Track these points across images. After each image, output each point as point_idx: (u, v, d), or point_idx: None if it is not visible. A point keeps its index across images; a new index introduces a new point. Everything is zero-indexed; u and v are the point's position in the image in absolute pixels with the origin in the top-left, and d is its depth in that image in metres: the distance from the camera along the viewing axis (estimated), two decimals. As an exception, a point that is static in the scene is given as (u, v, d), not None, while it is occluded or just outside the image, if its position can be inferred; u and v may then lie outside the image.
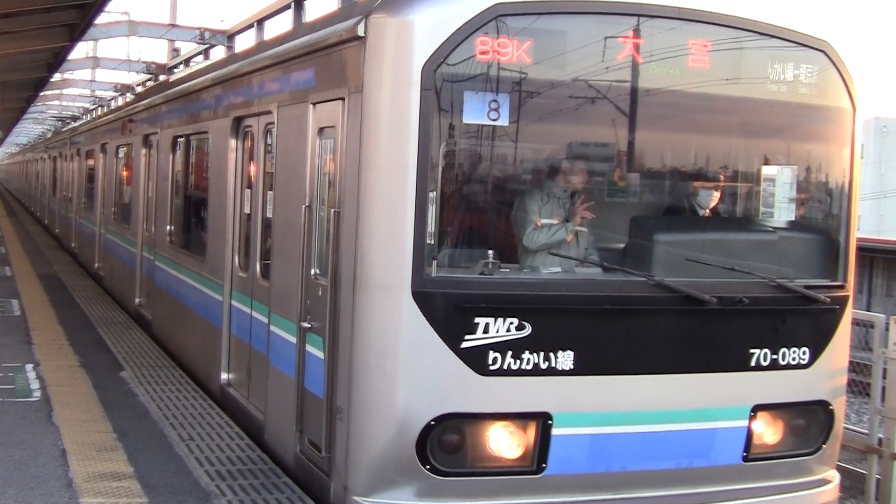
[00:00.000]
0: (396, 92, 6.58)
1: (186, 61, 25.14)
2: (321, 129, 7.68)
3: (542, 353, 6.68)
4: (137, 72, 29.17)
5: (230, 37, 23.36)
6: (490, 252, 6.83)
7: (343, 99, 7.12)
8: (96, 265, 21.33)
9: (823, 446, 7.67)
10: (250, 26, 21.92)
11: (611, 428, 6.94)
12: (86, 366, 12.15)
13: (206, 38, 23.37)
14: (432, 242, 6.60)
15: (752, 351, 7.23)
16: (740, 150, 8.09)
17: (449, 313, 6.57)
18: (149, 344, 13.85)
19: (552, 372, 6.72)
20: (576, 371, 6.77)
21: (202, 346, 11.34)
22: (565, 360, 6.74)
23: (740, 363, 7.22)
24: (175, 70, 24.85)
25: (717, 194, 7.90)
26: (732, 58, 7.32)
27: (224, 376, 10.36)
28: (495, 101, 6.68)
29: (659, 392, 7.03)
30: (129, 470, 8.14)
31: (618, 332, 6.92)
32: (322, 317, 7.40)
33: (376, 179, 6.66)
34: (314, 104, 7.77)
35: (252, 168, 9.85)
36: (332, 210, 7.20)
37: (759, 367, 7.25)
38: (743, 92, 7.42)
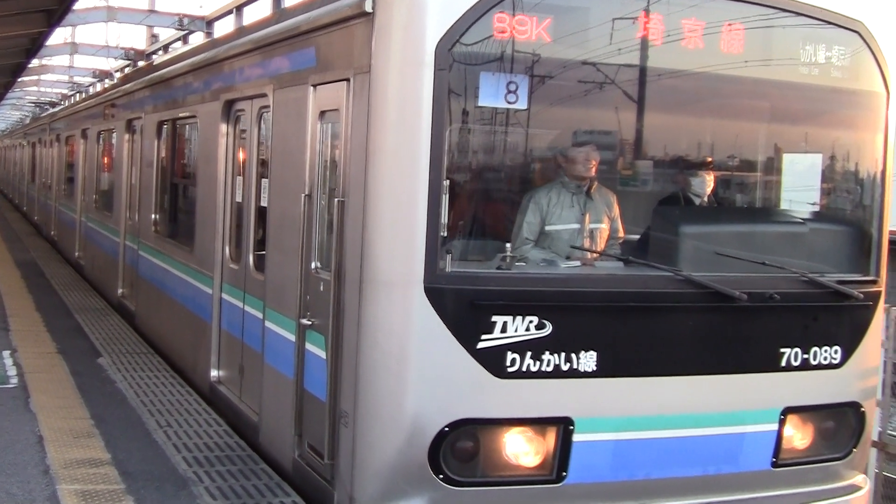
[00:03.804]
0: (408, 72, 6.09)
1: (165, 47, 24.94)
2: (323, 113, 7.18)
3: (563, 354, 6.23)
4: (116, 58, 28.97)
5: (209, 23, 23.15)
6: (507, 245, 6.37)
7: (348, 80, 6.62)
8: (77, 254, 20.78)
9: (854, 450, 7.26)
10: (229, 12, 21.62)
11: (635, 433, 6.50)
12: (63, 352, 12.02)
13: (185, 25, 23.24)
14: (446, 235, 6.11)
15: (782, 350, 6.80)
16: (768, 136, 7.63)
17: (464, 311, 6.09)
18: (126, 331, 13.67)
19: (574, 374, 6.27)
20: (598, 373, 6.32)
21: (190, 341, 10.84)
22: (587, 361, 6.29)
23: (770, 363, 6.78)
24: (154, 56, 24.55)
25: (710, 179, 7.47)
26: (762, 38, 6.87)
27: (214, 373, 9.88)
28: (513, 82, 6.21)
29: (685, 395, 6.59)
30: (107, 456, 8.03)
31: (642, 330, 6.47)
32: (324, 314, 6.92)
33: (385, 167, 6.18)
34: (315, 86, 7.27)
35: (244, 154, 9.35)
36: (336, 200, 6.70)
37: (789, 368, 6.83)
38: (772, 74, 6.99)
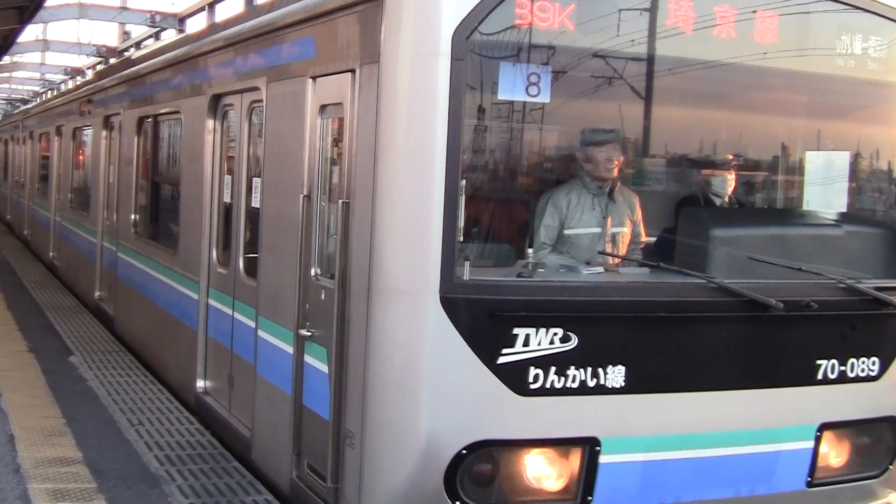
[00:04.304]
0: (421, 63, 5.56)
1: (137, 44, 24.84)
2: (323, 107, 6.65)
3: (589, 369, 5.73)
4: (88, 55, 28.77)
5: (181, 20, 22.95)
6: (530, 251, 5.86)
7: (353, 71, 6.09)
8: (51, 254, 20.16)
9: (890, 467, 6.80)
10: (201, 9, 21.28)
11: (665, 454, 6.01)
12: (35, 351, 11.91)
13: (157, 22, 23.17)
14: (462, 240, 5.59)
15: (818, 362, 6.33)
16: (801, 132, 7.16)
17: (483, 323, 5.57)
18: (98, 329, 13.57)
19: (601, 390, 5.77)
20: (627, 389, 5.82)
21: (174, 349, 10.29)
22: (615, 376, 5.79)
23: (806, 376, 6.31)
24: (129, 51, 24.36)
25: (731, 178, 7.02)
26: (797, 27, 6.39)
27: (200, 383, 9.33)
28: (535, 73, 5.70)
29: (718, 411, 6.10)
30: (78, 455, 7.93)
31: (673, 343, 5.98)
32: (326, 324, 6.39)
33: (396, 165, 5.65)
34: (314, 78, 6.73)
35: (233, 152, 8.80)
36: (340, 201, 6.17)
37: (826, 381, 6.36)
38: (808, 66, 6.50)
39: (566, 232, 6.45)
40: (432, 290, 5.52)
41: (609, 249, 6.57)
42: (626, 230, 6.67)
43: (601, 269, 6.29)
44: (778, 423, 6.30)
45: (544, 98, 5.77)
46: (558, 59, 5.80)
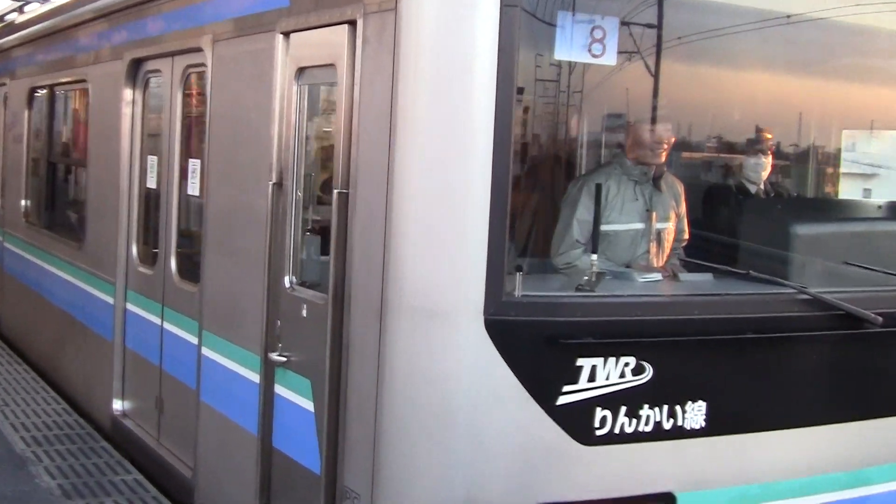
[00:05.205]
0: (458, 12, 4.20)
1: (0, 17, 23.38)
2: (302, 71, 5.23)
3: (665, 408, 4.48)
4: None
5: None
6: (594, 257, 4.57)
7: (352, 23, 4.68)
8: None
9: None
10: None
11: None
12: None
13: None
14: (514, 246, 4.28)
15: None
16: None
17: (540, 353, 4.27)
18: None
19: (678, 433, 4.53)
20: (707, 430, 4.60)
21: (82, 360, 8.73)
22: (695, 415, 4.56)
23: None
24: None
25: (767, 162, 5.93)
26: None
27: (118, 405, 7.83)
28: (599, 27, 4.40)
29: (809, 452, 4.92)
30: None
31: (759, 370, 4.77)
32: (310, 349, 5.01)
33: (424, 146, 4.27)
34: (287, 34, 5.30)
35: (160, 128, 7.29)
36: (336, 191, 4.76)
37: None
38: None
39: (604, 227, 5.19)
40: (474, 310, 4.19)
41: (654, 248, 5.35)
42: (671, 226, 5.46)
43: (659, 276, 5.05)
44: (871, 461, 5.16)
45: (610, 59, 4.48)
46: (626, 10, 4.52)
